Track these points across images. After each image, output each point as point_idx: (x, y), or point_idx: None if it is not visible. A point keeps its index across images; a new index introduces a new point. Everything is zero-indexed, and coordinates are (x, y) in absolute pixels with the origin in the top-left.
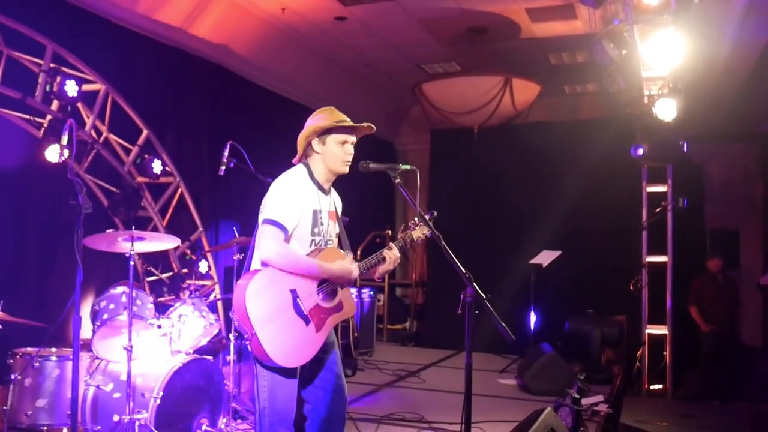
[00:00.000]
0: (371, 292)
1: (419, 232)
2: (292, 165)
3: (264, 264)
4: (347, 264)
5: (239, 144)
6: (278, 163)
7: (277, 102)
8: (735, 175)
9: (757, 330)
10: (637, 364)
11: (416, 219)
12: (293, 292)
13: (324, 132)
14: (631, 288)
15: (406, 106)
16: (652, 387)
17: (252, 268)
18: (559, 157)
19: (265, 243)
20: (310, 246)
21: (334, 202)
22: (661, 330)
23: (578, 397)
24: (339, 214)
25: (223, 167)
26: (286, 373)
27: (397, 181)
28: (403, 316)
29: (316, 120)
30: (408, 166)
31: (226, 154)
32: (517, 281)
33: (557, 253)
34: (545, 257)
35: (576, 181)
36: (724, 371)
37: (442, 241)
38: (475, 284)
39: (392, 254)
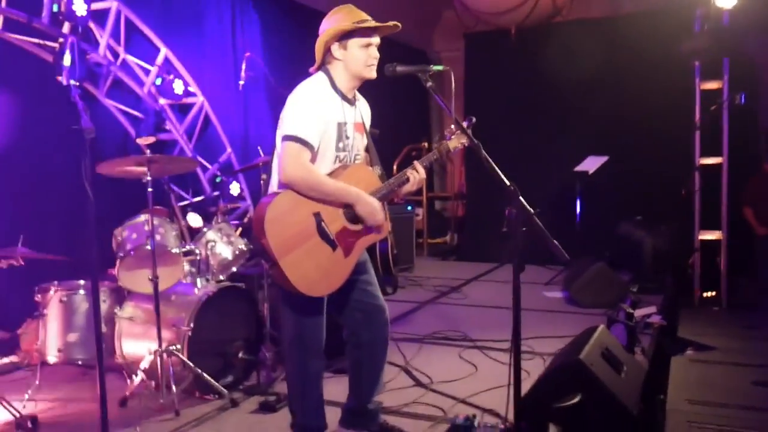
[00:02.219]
0: (409, 207)
1: (456, 142)
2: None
3: (284, 186)
4: (377, 205)
5: (262, 57)
6: (304, 76)
7: (298, 11)
8: None
9: None
10: (689, 271)
11: (452, 127)
12: (317, 215)
13: (344, 35)
14: (683, 192)
15: (437, 10)
16: (705, 294)
17: (272, 190)
18: (602, 55)
19: (289, 164)
20: (335, 163)
21: (361, 113)
22: (714, 236)
23: (632, 312)
24: (367, 126)
25: (242, 81)
26: (313, 301)
27: (429, 84)
28: (443, 229)
29: (334, 21)
30: (440, 67)
31: (243, 67)
32: (560, 189)
33: (604, 158)
34: (591, 163)
35: (622, 80)
36: None
37: (483, 150)
38: (521, 198)
39: (417, 175)
